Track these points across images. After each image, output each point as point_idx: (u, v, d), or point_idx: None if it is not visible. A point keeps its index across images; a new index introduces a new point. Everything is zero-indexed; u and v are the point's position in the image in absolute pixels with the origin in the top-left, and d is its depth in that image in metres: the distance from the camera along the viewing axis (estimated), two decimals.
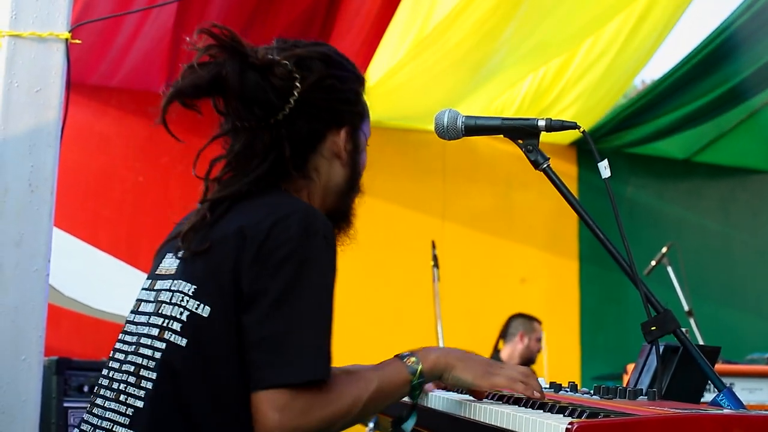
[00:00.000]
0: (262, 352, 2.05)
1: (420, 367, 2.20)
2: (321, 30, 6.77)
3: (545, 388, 2.40)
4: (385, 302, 7.87)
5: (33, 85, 3.21)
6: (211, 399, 2.11)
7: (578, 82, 7.97)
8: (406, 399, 2.26)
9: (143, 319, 2.26)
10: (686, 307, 6.79)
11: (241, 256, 2.11)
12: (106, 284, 5.24)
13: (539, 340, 7.63)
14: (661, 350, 2.41)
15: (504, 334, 7.73)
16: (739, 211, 9.88)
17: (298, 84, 2.28)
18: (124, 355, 2.27)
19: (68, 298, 4.93)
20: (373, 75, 7.24)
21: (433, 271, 6.43)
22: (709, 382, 2.32)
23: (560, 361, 8.65)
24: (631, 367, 5.54)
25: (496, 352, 7.67)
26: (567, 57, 7.75)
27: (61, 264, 3.74)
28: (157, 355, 2.18)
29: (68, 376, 4.61)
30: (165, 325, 2.20)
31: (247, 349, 2.08)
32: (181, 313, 2.18)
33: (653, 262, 6.87)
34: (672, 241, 7.04)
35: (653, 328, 2.31)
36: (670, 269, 6.83)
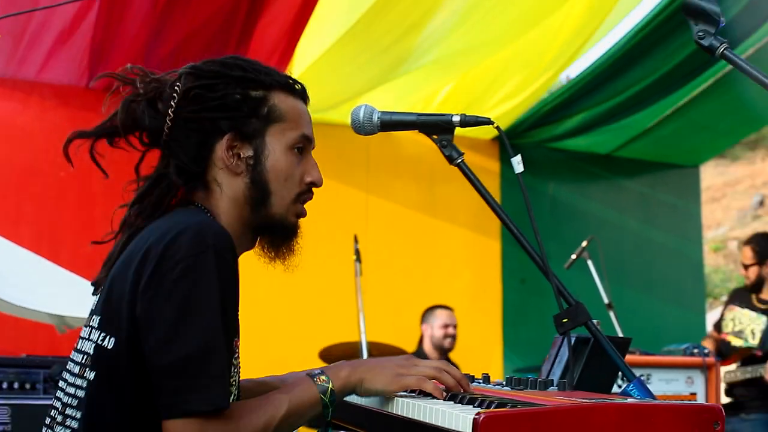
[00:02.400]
0: (165, 379, 2.05)
1: (330, 386, 2.19)
2: (244, 22, 6.75)
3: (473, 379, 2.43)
4: (308, 296, 7.86)
5: None
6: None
7: (503, 77, 8.03)
8: None
9: (75, 356, 2.29)
10: (606, 300, 6.87)
11: (135, 283, 2.11)
12: (26, 281, 5.18)
13: (444, 325, 7.69)
14: (572, 342, 2.46)
15: (421, 331, 7.82)
16: (658, 205, 10.04)
17: (172, 103, 2.32)
18: (60, 392, 2.31)
19: None
20: (297, 68, 7.24)
21: (356, 266, 6.44)
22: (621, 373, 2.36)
23: (483, 352, 8.74)
24: None
25: (419, 347, 7.72)
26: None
27: None
28: (80, 393, 2.20)
29: None
30: (82, 361, 2.23)
31: (152, 377, 2.07)
32: (91, 347, 2.21)
33: (573, 256, 6.95)
34: (592, 235, 7.12)
35: (565, 320, 2.34)
36: (590, 262, 6.91)
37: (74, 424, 2.19)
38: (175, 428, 2.03)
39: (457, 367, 6.73)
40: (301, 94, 2.46)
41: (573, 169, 9.50)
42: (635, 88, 8.15)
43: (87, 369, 2.21)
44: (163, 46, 6.74)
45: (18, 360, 4.38)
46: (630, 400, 1.95)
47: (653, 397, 2.23)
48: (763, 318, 7.06)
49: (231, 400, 2.14)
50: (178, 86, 2.34)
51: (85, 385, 2.20)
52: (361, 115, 2.48)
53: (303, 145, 2.40)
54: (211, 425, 2.03)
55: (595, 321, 2.39)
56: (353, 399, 2.34)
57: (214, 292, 2.09)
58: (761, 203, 21.75)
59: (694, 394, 5.12)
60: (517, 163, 2.43)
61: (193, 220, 2.20)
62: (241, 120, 2.34)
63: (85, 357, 2.23)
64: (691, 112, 8.91)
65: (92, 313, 2.28)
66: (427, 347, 7.70)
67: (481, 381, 2.39)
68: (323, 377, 2.21)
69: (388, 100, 8.13)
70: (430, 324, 7.71)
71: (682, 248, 10.02)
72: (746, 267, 7.30)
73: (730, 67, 7.92)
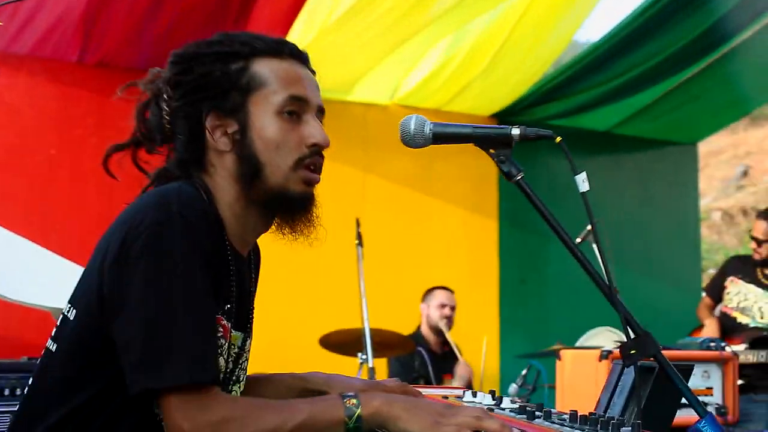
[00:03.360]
0: (136, 354, 1.96)
1: (359, 411, 2.03)
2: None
3: (515, 410, 2.27)
4: (306, 281, 7.70)
5: None
6: (68, 409, 2.05)
7: (503, 55, 7.86)
8: None
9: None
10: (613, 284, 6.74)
11: (105, 257, 2.04)
12: (21, 272, 5.00)
13: (442, 306, 7.55)
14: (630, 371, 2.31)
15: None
16: (655, 183, 9.94)
17: (166, 97, 2.24)
18: None
19: None
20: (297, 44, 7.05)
21: (357, 250, 6.25)
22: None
23: (479, 333, 8.61)
24: (560, 349, 5.50)
25: (418, 329, 7.59)
26: (493, 28, 7.62)
27: None
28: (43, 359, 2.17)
29: None
30: (52, 333, 2.19)
31: (121, 358, 1.98)
32: (59, 318, 2.16)
33: (578, 240, 6.81)
34: (599, 218, 6.97)
35: (633, 351, 2.18)
36: (594, 246, 6.77)
37: (26, 390, 2.17)
38: (162, 408, 1.96)
39: (458, 350, 6.50)
40: (293, 55, 2.31)
41: (571, 147, 9.26)
42: (641, 68, 8.02)
43: (50, 340, 2.16)
44: (158, 22, 6.52)
45: (19, 364, 4.20)
46: None
47: None
48: None
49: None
50: (164, 78, 2.25)
51: (44, 353, 2.16)
52: (412, 126, 2.30)
53: (295, 108, 2.25)
54: (198, 403, 1.94)
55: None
56: None
57: (180, 262, 1.98)
58: (745, 173, 21.75)
59: (710, 388, 4.99)
60: (582, 182, 2.26)
61: (163, 189, 2.12)
62: (221, 96, 2.23)
63: (55, 328, 2.18)
64: (690, 89, 8.81)
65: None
66: (425, 328, 7.58)
67: (540, 414, 2.22)
68: (354, 400, 2.05)
69: (388, 82, 8.00)
70: (428, 304, 7.59)
71: (680, 226, 9.95)
72: (759, 242, 7.10)
73: (730, 46, 7.99)
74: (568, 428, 2.06)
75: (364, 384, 2.55)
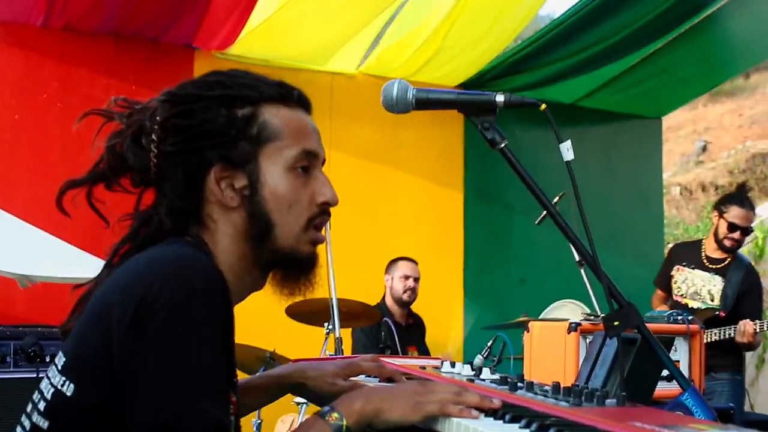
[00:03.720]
0: None
1: (345, 423, 1.96)
2: None
3: (496, 381, 2.25)
4: None
5: None
6: None
7: (469, 26, 7.81)
8: None
9: (35, 394, 2.02)
10: (577, 257, 6.72)
11: (113, 329, 1.83)
12: None
13: (405, 277, 7.53)
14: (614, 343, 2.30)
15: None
16: (619, 156, 9.96)
17: (154, 137, 2.04)
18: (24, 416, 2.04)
19: None
20: (262, 13, 6.97)
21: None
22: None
23: (443, 304, 8.61)
24: (528, 320, 5.49)
25: (383, 300, 7.57)
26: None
27: None
28: None
29: None
30: (36, 402, 1.97)
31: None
32: (48, 391, 1.94)
33: (545, 211, 6.78)
34: (559, 187, 6.96)
35: (616, 322, 2.16)
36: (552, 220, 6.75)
37: None
38: None
39: (423, 323, 6.46)
40: (300, 102, 2.17)
41: (537, 119, 9.30)
42: (607, 41, 7.99)
43: (38, 414, 1.95)
44: None
45: None
46: None
47: (709, 408, 2.08)
48: (718, 278, 6.97)
49: None
50: (156, 117, 2.05)
51: (29, 427, 1.95)
52: (395, 92, 2.26)
53: (307, 163, 2.11)
54: None
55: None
56: None
57: (204, 343, 1.82)
58: (704, 149, 21.89)
59: (677, 362, 5.00)
60: (567, 150, 2.23)
61: (177, 255, 1.94)
62: (228, 146, 2.05)
63: (40, 399, 1.97)
64: (655, 63, 8.82)
65: (61, 352, 2.01)
66: (389, 300, 7.56)
67: (521, 386, 2.19)
68: (335, 414, 1.97)
69: (355, 51, 7.94)
70: (392, 275, 7.57)
71: (643, 199, 9.99)
72: (737, 228, 7.02)
73: (695, 20, 8.00)
74: (552, 399, 2.04)
75: (339, 368, 2.50)
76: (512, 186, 8.96)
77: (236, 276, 2.07)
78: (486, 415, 1.94)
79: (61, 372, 1.93)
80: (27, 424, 1.97)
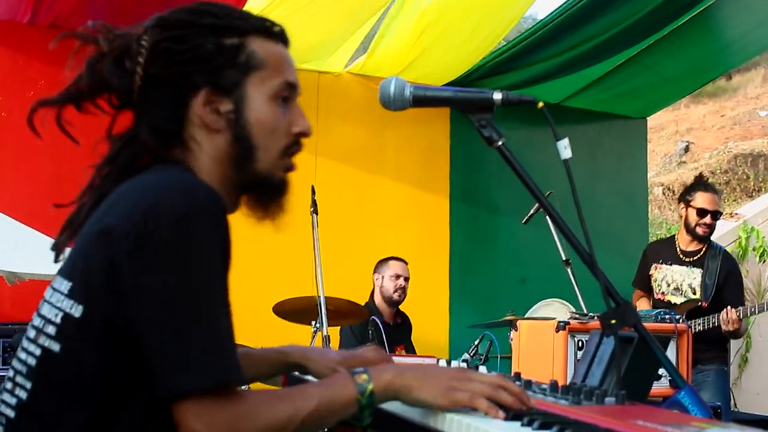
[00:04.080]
0: (162, 357, 1.84)
1: (371, 386, 1.98)
2: None
3: None
4: (258, 248, 7.62)
5: None
6: (88, 413, 1.89)
7: (456, 27, 7.81)
8: None
9: (35, 320, 2.05)
10: (563, 256, 6.73)
11: (116, 248, 1.88)
12: None
13: (396, 276, 7.52)
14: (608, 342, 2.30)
15: (373, 282, 7.66)
16: (604, 157, 9.97)
17: (140, 60, 2.09)
18: (15, 359, 2.07)
19: None
20: (253, 10, 6.95)
21: (312, 218, 6.19)
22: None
23: (429, 302, 8.61)
24: (515, 319, 5.49)
25: (371, 299, 7.56)
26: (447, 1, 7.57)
27: None
28: (31, 361, 1.98)
29: None
30: (41, 327, 2.00)
31: (148, 359, 1.86)
32: (56, 315, 1.98)
33: (532, 211, 6.79)
34: (544, 187, 6.96)
35: (613, 320, 2.16)
36: (548, 218, 6.74)
37: (23, 395, 1.97)
38: (178, 412, 1.84)
39: (410, 322, 6.45)
40: (281, 37, 2.24)
41: (522, 118, 9.32)
42: (592, 42, 7.99)
43: (48, 338, 1.97)
44: None
45: None
46: None
47: (705, 406, 2.08)
48: (697, 270, 6.97)
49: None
50: (145, 40, 2.10)
51: (38, 353, 1.97)
52: (392, 89, 2.25)
53: (287, 94, 2.19)
54: (214, 405, 1.83)
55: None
56: (390, 407, 2.11)
57: (210, 258, 1.89)
58: (686, 149, 21.96)
59: None
60: (564, 148, 2.23)
61: (177, 178, 2.00)
62: (217, 72, 2.12)
63: (45, 324, 1.99)
64: (640, 63, 8.83)
65: (61, 276, 2.04)
66: (378, 299, 7.55)
67: (519, 384, 2.19)
68: (364, 376, 2.00)
69: (342, 50, 7.93)
70: (382, 274, 7.55)
71: (628, 199, 10.00)
72: (706, 213, 7.02)
73: (682, 20, 8.02)
74: (551, 398, 2.04)
75: (343, 356, 2.53)
76: (498, 186, 9.07)
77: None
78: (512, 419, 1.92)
79: (69, 296, 1.97)
80: (34, 349, 1.99)
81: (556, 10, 7.79)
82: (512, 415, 1.88)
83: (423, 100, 2.27)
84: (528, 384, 2.15)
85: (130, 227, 1.87)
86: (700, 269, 6.95)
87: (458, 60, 8.31)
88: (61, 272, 2.05)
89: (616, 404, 2.01)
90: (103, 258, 1.90)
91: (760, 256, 10.60)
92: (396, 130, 8.62)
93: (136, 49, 2.11)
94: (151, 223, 1.85)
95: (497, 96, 2.21)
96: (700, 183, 7.16)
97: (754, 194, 17.84)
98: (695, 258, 7.03)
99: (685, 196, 7.12)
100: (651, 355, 2.22)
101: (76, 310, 1.93)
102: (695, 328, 6.64)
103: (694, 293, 6.92)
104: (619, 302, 2.18)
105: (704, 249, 7.05)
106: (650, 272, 7.18)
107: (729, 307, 6.58)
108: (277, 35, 2.22)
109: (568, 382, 2.15)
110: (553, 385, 2.08)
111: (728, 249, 9.06)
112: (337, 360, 2.51)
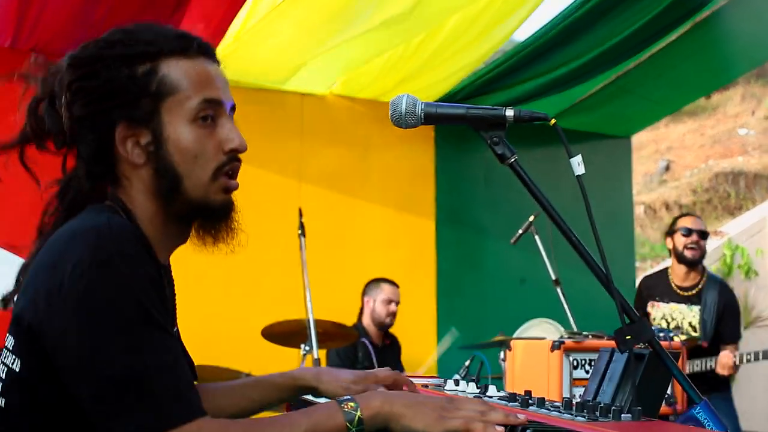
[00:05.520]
0: (124, 404, 1.81)
1: (359, 414, 1.96)
2: None
3: (505, 398, 2.24)
4: (244, 272, 7.57)
5: None
6: None
7: (442, 49, 7.82)
8: None
9: None
10: (553, 276, 6.73)
11: (38, 302, 1.89)
12: None
13: (388, 301, 7.49)
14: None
15: (362, 302, 7.61)
16: (590, 176, 9.93)
17: (63, 101, 2.07)
18: None
19: None
20: (231, 32, 6.94)
21: (300, 240, 6.18)
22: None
23: (417, 325, 8.58)
24: (508, 339, 5.47)
25: (358, 320, 7.53)
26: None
27: None
28: None
29: None
30: None
31: (86, 408, 1.85)
32: (3, 370, 1.98)
33: (520, 231, 6.79)
34: (532, 208, 6.96)
35: (628, 336, 2.15)
36: (537, 238, 6.75)
37: None
38: None
39: (398, 343, 6.42)
40: (201, 51, 2.16)
41: (508, 138, 9.32)
42: (576, 62, 8.00)
43: None
44: (94, 9, 6.32)
45: None
46: None
47: (722, 422, 2.07)
48: (695, 308, 6.96)
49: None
50: (61, 81, 2.08)
51: None
52: (403, 106, 2.24)
53: (210, 112, 2.12)
54: None
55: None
56: None
57: (134, 301, 1.86)
58: (667, 168, 22.04)
59: None
60: (578, 164, 2.23)
61: (91, 222, 1.96)
62: (131, 104, 2.07)
63: None
64: (624, 83, 8.85)
65: (9, 334, 2.03)
66: (366, 320, 7.50)
67: (532, 402, 2.18)
68: (352, 404, 1.98)
69: (325, 72, 7.92)
70: (373, 297, 7.50)
71: (613, 219, 10.00)
72: (691, 232, 7.02)
73: (669, 39, 8.05)
74: (567, 415, 2.02)
75: (356, 376, 2.50)
76: (484, 208, 9.06)
77: (158, 230, 2.11)
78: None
79: (12, 351, 1.97)
80: None
81: (537, 30, 7.81)
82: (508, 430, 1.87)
83: (434, 117, 2.25)
84: (541, 402, 2.14)
85: (50, 280, 1.88)
86: (698, 306, 6.93)
87: (440, 81, 8.31)
88: (9, 329, 2.03)
89: (632, 421, 2.00)
90: (31, 311, 1.91)
91: (745, 274, 10.64)
92: (381, 153, 8.60)
93: (58, 91, 2.09)
94: (67, 277, 1.85)
95: (509, 113, 2.21)
96: (680, 215, 7.28)
97: (735, 212, 17.90)
98: (692, 293, 7.03)
99: (669, 229, 7.20)
100: (662, 371, 2.22)
101: (17, 365, 1.93)
102: (692, 369, 6.63)
103: (695, 331, 6.90)
104: (633, 319, 2.17)
105: (700, 282, 7.04)
106: (647, 309, 7.15)
107: (727, 352, 6.58)
108: (196, 50, 2.15)
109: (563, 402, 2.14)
110: (566, 403, 2.07)
111: (713, 268, 9.07)
112: (349, 380, 2.48)
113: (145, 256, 1.95)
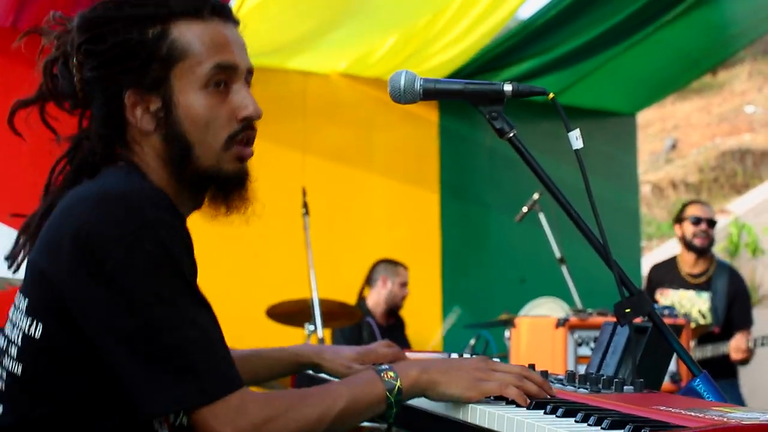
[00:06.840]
0: (167, 374, 1.80)
1: (398, 384, 1.96)
2: None
3: None
4: (248, 251, 7.58)
5: None
6: None
7: (445, 28, 7.79)
8: None
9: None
10: (558, 254, 6.73)
11: (68, 266, 1.84)
12: None
13: (404, 284, 7.50)
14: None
15: (369, 280, 7.59)
16: (594, 154, 9.95)
17: (75, 62, 2.03)
18: None
19: None
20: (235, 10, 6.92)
21: (304, 220, 6.18)
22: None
23: (422, 304, 8.58)
24: (513, 318, 5.48)
25: (361, 299, 7.52)
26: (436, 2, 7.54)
27: None
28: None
29: None
30: (4, 348, 1.96)
31: (136, 374, 1.81)
32: (17, 335, 1.92)
33: (525, 209, 6.78)
34: (536, 186, 6.95)
35: (628, 310, 2.15)
36: (542, 215, 6.74)
37: None
38: (198, 420, 1.81)
39: (403, 322, 6.41)
40: (215, 12, 2.08)
41: (511, 116, 9.30)
42: (586, 36, 7.97)
43: (10, 360, 1.93)
44: None
45: None
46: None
47: (721, 394, 2.07)
48: (705, 295, 6.94)
49: None
50: (72, 43, 2.04)
51: (4, 376, 1.93)
52: (402, 82, 2.23)
53: (223, 77, 2.05)
54: (230, 407, 1.82)
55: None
56: (415, 402, 2.10)
57: (167, 271, 1.83)
58: (673, 146, 22.00)
59: None
60: (576, 139, 2.23)
61: (121, 185, 1.93)
62: (141, 69, 2.01)
63: (8, 344, 1.95)
64: (629, 58, 8.80)
65: (20, 291, 1.98)
66: (376, 301, 7.46)
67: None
68: (391, 373, 1.98)
69: (329, 51, 7.89)
70: (392, 280, 7.48)
71: (619, 197, 9.97)
72: (700, 221, 7.00)
73: (669, 15, 8.02)
74: (570, 387, 2.03)
75: (357, 352, 2.51)
76: (488, 185, 9.04)
77: (173, 196, 2.03)
78: (507, 402, 1.93)
79: (27, 313, 1.91)
80: (0, 372, 1.95)
81: (542, 7, 7.77)
82: (534, 403, 1.87)
83: (433, 92, 2.25)
84: (544, 375, 2.14)
85: (81, 245, 1.83)
86: (708, 292, 6.92)
87: (445, 61, 8.27)
88: (21, 290, 1.99)
89: (635, 392, 2.01)
90: (58, 274, 1.86)
91: (752, 252, 10.63)
92: (385, 131, 8.59)
93: (70, 51, 2.05)
94: (102, 242, 1.82)
95: (507, 87, 2.21)
96: (688, 201, 7.26)
97: (742, 190, 17.88)
98: (702, 280, 7.00)
99: (677, 216, 7.19)
100: (664, 345, 2.22)
101: (37, 331, 1.88)
102: (704, 354, 6.60)
103: (705, 318, 6.88)
104: (633, 292, 2.17)
105: (710, 269, 7.03)
106: (656, 297, 7.12)
107: (739, 335, 6.54)
108: (210, 11, 2.08)
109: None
110: (570, 375, 2.08)
111: (720, 246, 9.06)
112: (351, 357, 2.49)
113: (180, 223, 1.93)
